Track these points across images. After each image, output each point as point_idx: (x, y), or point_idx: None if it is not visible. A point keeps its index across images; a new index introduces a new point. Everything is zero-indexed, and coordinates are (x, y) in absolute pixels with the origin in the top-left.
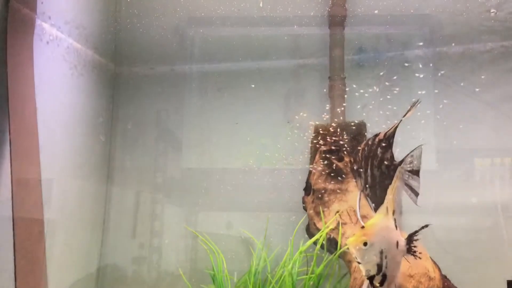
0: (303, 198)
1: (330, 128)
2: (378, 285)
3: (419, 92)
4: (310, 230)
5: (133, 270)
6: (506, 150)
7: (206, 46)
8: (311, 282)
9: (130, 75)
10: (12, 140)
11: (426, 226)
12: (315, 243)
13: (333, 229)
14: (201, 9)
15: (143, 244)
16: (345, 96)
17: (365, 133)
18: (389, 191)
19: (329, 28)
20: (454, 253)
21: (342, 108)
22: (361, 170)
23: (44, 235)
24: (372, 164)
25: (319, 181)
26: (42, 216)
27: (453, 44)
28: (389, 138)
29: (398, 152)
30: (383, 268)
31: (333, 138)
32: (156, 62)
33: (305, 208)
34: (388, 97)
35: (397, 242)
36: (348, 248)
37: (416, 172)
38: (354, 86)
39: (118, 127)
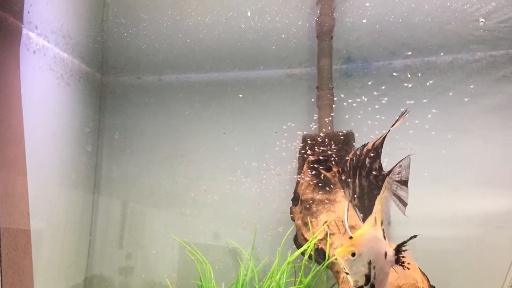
0: (291, 209)
1: (318, 138)
2: None
3: (408, 102)
4: (298, 241)
5: (120, 281)
6: (495, 160)
7: (193, 56)
8: None
9: (117, 85)
10: None
11: (415, 236)
12: (303, 253)
13: (321, 240)
14: (188, 18)
15: (130, 254)
16: (333, 106)
17: (353, 143)
18: (377, 201)
19: (317, 37)
20: (442, 263)
21: (330, 118)
22: (349, 180)
23: (31, 245)
24: (361, 174)
25: (307, 191)
26: (29, 227)
27: (441, 54)
28: (377, 148)
29: (387, 162)
30: (372, 279)
31: (321, 148)
32: (143, 72)
33: (293, 219)
34: (377, 107)
35: (386, 253)
36: (336, 259)
37: (404, 182)
38: (342, 95)
39: (104, 137)
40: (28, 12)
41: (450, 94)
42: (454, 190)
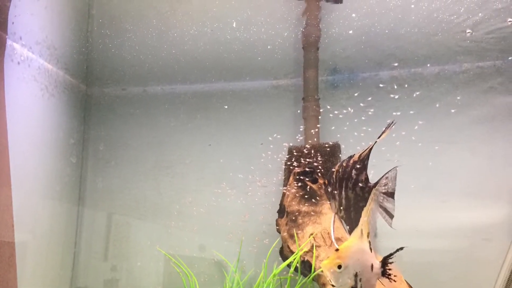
0: (276, 221)
1: (304, 150)
2: None
3: (394, 113)
4: (284, 253)
5: None
6: (482, 172)
7: (179, 67)
8: None
9: (102, 96)
10: None
11: (401, 248)
12: (289, 266)
13: (307, 252)
14: (174, 29)
15: (115, 267)
16: (319, 117)
17: (340, 155)
18: (363, 213)
19: (303, 48)
20: (429, 276)
21: (316, 130)
22: (336, 192)
23: (15, 258)
24: (347, 186)
25: (293, 203)
26: (13, 239)
27: (428, 65)
28: (363, 160)
29: (373, 174)
30: None
31: (307, 159)
32: (128, 83)
33: (278, 231)
34: (363, 118)
35: (372, 265)
36: (322, 271)
37: (391, 194)
38: (329, 107)
39: (89, 148)
40: (13, 23)
41: (437, 105)
42: (441, 202)
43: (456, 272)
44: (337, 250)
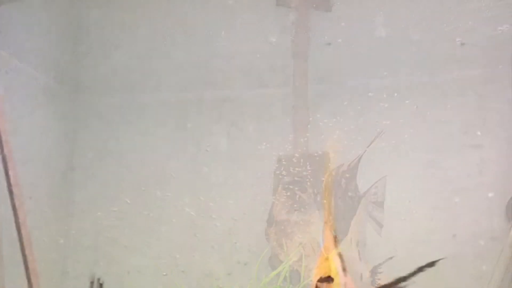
0: (266, 230)
1: (293, 159)
2: None
3: (384, 122)
4: (273, 262)
5: None
6: (473, 180)
7: (169, 75)
8: None
9: (91, 105)
10: None
11: (391, 258)
12: (278, 275)
13: (296, 261)
14: (163, 38)
15: (105, 275)
16: (309, 126)
17: (329, 164)
18: (353, 222)
19: (293, 57)
20: (419, 285)
21: (306, 138)
22: (325, 201)
23: (4, 266)
24: (336, 195)
25: (282, 212)
26: (1, 251)
27: (418, 73)
28: (353, 169)
29: (362, 183)
30: None
31: (296, 168)
32: (118, 91)
33: (268, 240)
34: (352, 127)
35: (361, 274)
36: (311, 280)
37: (380, 203)
38: (318, 116)
39: (78, 157)
40: (1, 31)
41: (427, 114)
42: (432, 210)
43: (447, 282)
44: (326, 259)
